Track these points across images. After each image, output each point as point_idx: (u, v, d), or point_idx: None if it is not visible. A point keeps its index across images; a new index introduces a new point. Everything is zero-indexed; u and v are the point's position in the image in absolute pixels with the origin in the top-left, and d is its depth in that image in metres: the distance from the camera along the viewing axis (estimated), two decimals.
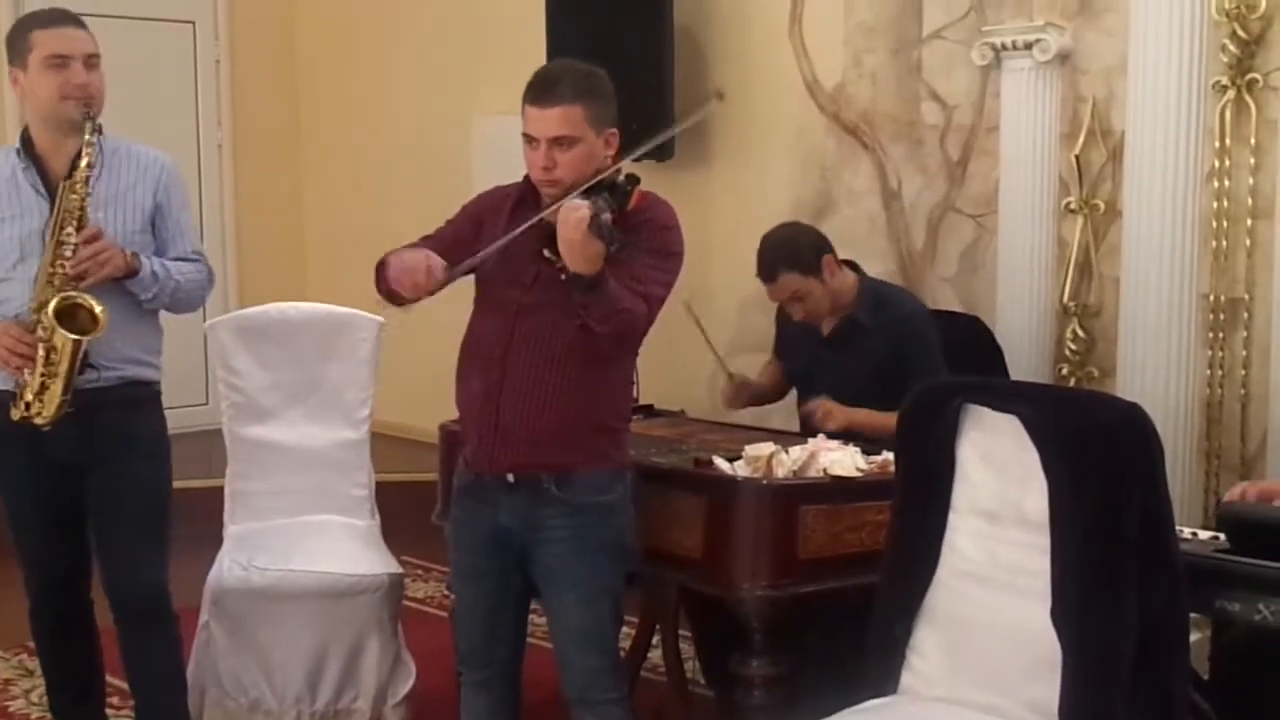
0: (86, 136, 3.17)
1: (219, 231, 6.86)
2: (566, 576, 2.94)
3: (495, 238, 2.97)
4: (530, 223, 2.85)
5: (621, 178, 2.86)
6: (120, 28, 6.26)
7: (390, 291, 2.93)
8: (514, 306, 2.89)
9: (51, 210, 3.20)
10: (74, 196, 3.15)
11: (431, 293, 2.88)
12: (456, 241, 3.06)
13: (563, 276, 2.75)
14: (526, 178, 3.02)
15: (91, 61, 3.24)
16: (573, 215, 2.67)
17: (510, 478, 2.93)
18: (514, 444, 2.90)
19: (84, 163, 3.16)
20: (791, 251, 3.85)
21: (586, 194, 2.79)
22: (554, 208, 2.81)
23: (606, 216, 2.68)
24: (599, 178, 2.86)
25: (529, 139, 2.89)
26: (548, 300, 2.87)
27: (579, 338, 2.85)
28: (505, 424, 2.90)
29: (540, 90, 2.88)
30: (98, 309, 3.14)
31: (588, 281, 2.71)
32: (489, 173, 6.16)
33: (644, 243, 2.87)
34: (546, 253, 2.81)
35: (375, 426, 4.19)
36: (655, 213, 2.95)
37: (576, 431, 2.91)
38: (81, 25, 3.28)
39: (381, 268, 2.99)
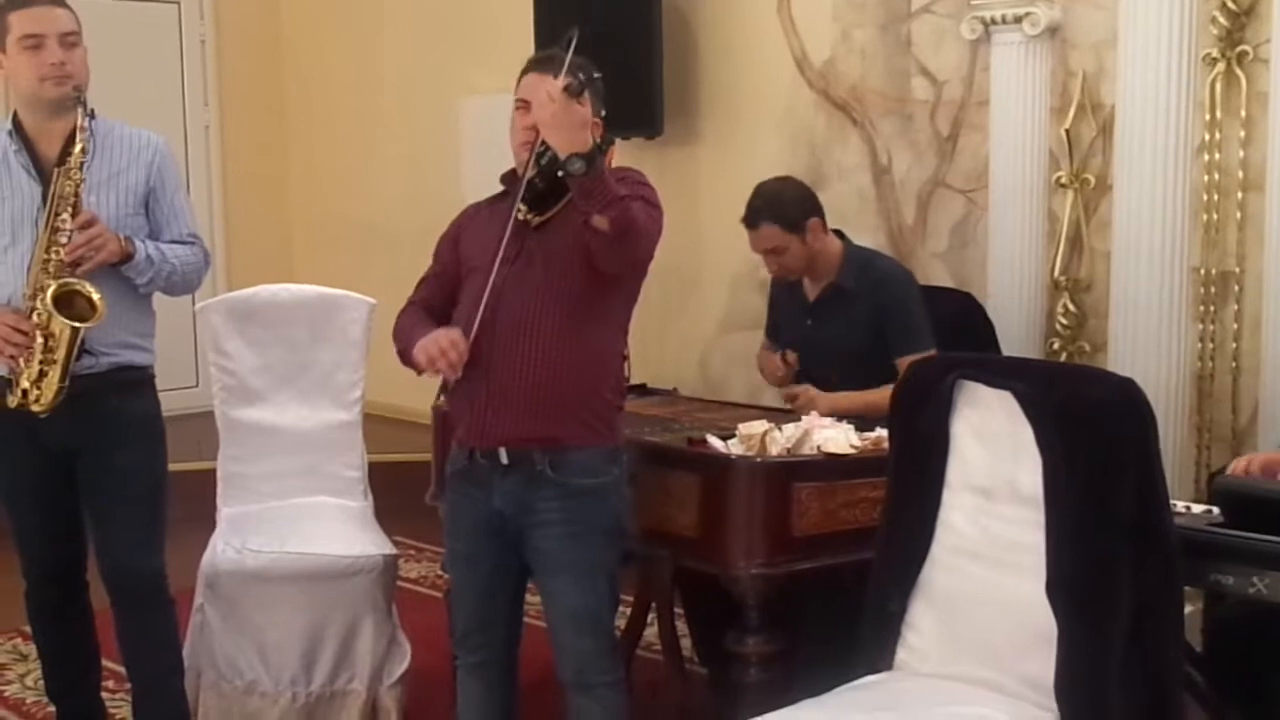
0: (80, 121, 3.15)
1: (206, 213, 6.81)
2: (561, 559, 2.94)
3: (474, 235, 3.03)
4: (515, 199, 2.88)
5: (597, 135, 2.85)
6: (105, 8, 6.24)
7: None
8: (499, 277, 2.88)
9: (44, 193, 3.19)
10: (69, 182, 3.13)
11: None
12: (445, 271, 3.11)
13: (559, 174, 2.73)
14: (503, 177, 3.05)
15: (69, 39, 3.19)
16: (546, 91, 2.69)
17: (503, 456, 2.92)
18: (505, 413, 2.89)
19: (78, 148, 3.14)
20: (778, 204, 3.86)
21: None
22: (529, 167, 2.85)
23: (580, 75, 2.70)
24: None
25: (522, 103, 2.93)
26: (527, 271, 2.88)
27: (567, 302, 2.86)
28: (495, 394, 2.90)
29: (540, 62, 2.96)
30: (95, 296, 3.12)
31: (583, 161, 2.67)
32: (478, 154, 6.18)
33: (627, 186, 2.85)
34: (522, 208, 2.85)
35: (367, 407, 4.19)
36: (631, 173, 2.96)
37: (568, 402, 2.90)
38: (58, 3, 3.23)
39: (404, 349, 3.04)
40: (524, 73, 3.00)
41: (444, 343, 2.87)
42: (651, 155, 5.24)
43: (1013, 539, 2.64)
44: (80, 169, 3.14)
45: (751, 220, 3.87)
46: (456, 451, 3.06)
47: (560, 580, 2.96)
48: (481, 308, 2.88)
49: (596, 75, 2.91)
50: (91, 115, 3.17)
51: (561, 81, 2.68)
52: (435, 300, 3.12)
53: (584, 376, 2.92)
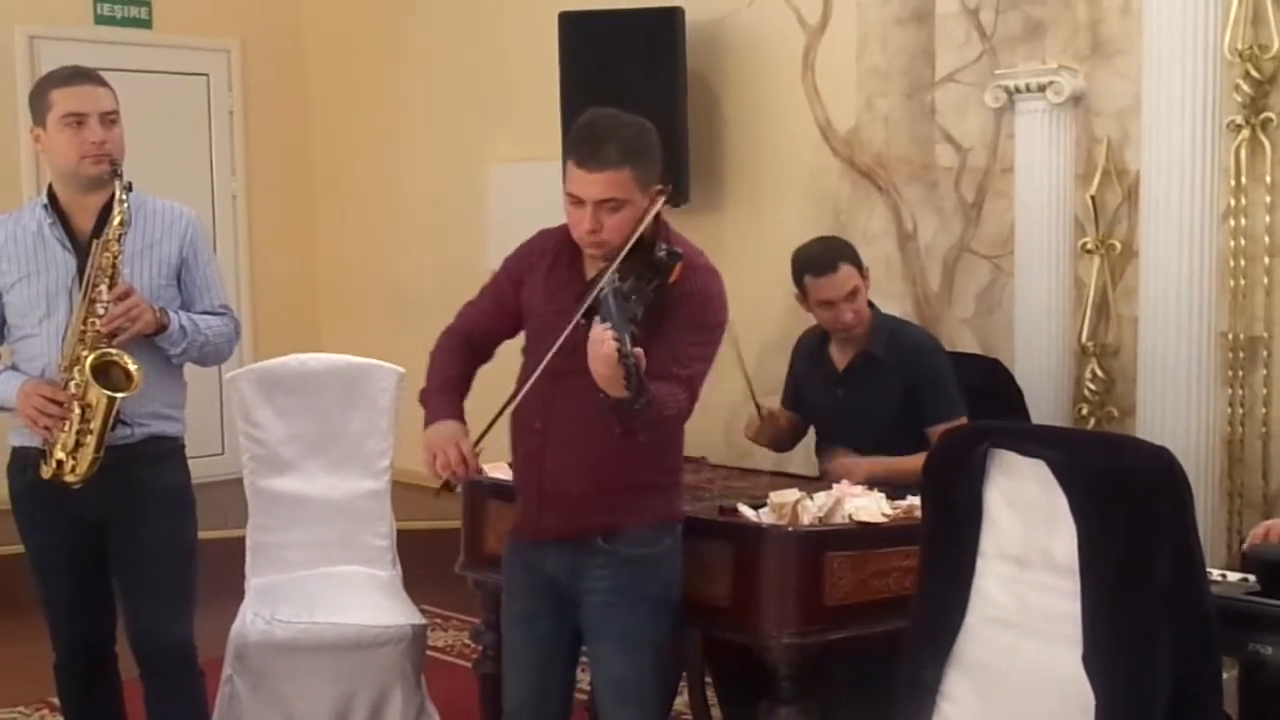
0: (119, 194, 3.19)
1: (234, 281, 6.85)
2: (608, 625, 2.93)
3: (536, 294, 2.95)
4: (578, 313, 2.76)
5: (663, 253, 2.76)
6: (134, 80, 6.31)
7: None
8: (552, 372, 2.81)
9: (79, 266, 3.23)
10: (107, 254, 3.17)
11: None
12: (499, 305, 3.04)
13: (601, 395, 2.64)
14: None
15: (109, 118, 3.25)
16: (601, 349, 2.56)
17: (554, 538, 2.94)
18: (558, 511, 2.90)
19: (117, 220, 3.18)
20: (845, 246, 3.92)
21: (627, 268, 2.71)
22: (595, 290, 2.73)
23: (636, 356, 2.55)
24: (640, 241, 2.76)
25: (573, 198, 2.79)
26: (584, 367, 2.73)
27: None
28: (549, 492, 2.90)
29: (587, 151, 2.77)
30: (132, 367, 3.15)
31: (620, 402, 2.62)
32: (504, 221, 6.22)
33: (686, 318, 2.79)
34: (585, 320, 2.73)
35: (395, 474, 4.19)
36: (697, 283, 2.86)
37: (621, 494, 2.89)
38: (100, 82, 3.29)
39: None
40: (571, 159, 2.80)
41: (453, 456, 2.82)
42: (677, 222, 5.22)
43: (1048, 609, 2.61)
44: (119, 241, 3.18)
45: (830, 262, 3.80)
46: (514, 520, 3.06)
47: (606, 646, 2.95)
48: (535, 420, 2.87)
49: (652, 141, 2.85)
50: (129, 188, 3.20)
51: (616, 345, 2.54)
52: (482, 328, 3.06)
53: (641, 468, 2.90)
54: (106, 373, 3.15)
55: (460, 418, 2.94)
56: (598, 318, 2.64)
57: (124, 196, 3.19)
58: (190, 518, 3.42)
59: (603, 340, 2.57)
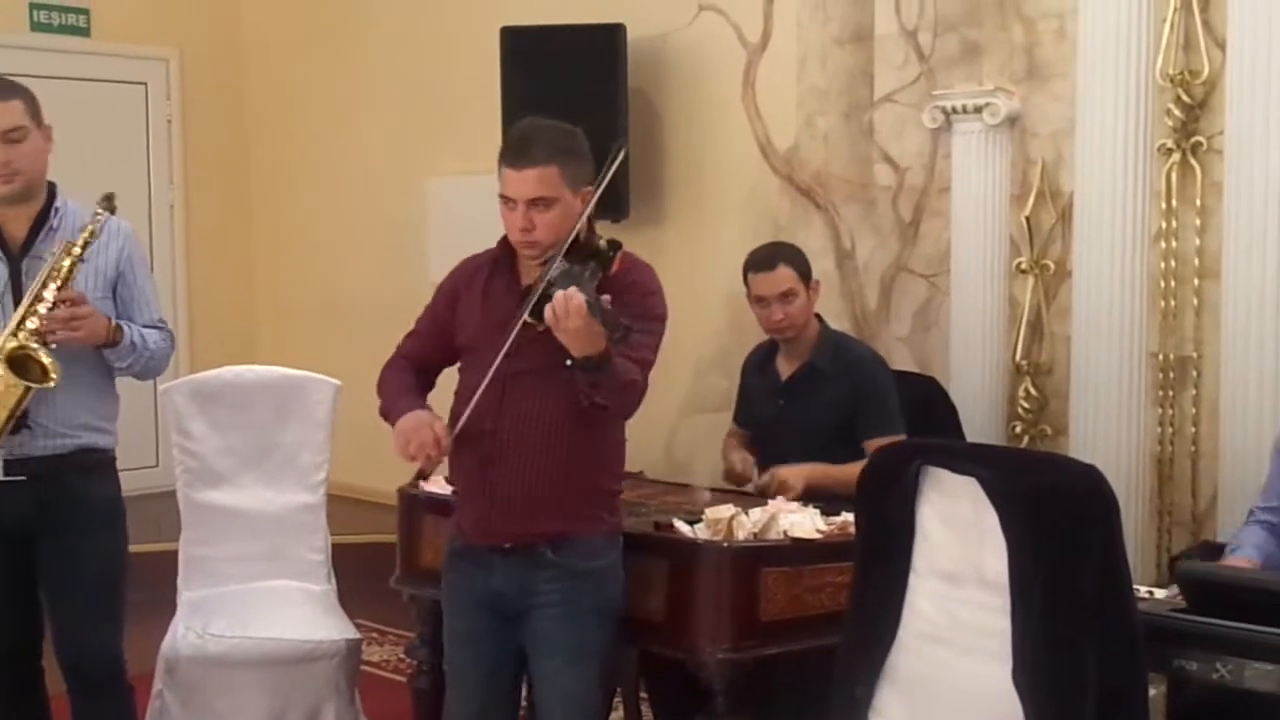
0: (96, 210, 3.17)
1: (170, 292, 6.79)
2: (555, 639, 2.93)
3: (473, 308, 2.99)
4: (523, 311, 2.81)
5: (603, 243, 2.86)
6: (72, 88, 6.27)
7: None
8: (502, 374, 2.85)
9: (10, 273, 3.20)
10: (68, 258, 3.14)
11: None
12: (438, 329, 3.08)
13: (567, 363, 2.73)
14: (502, 240, 3.01)
15: (12, 135, 3.16)
16: (569, 304, 2.65)
17: (507, 544, 2.93)
18: (512, 515, 2.89)
19: (88, 230, 3.15)
20: (793, 252, 3.99)
21: (571, 259, 2.80)
22: (542, 284, 2.78)
23: (605, 297, 2.67)
24: (578, 238, 2.85)
25: (506, 200, 2.88)
26: (534, 367, 2.85)
27: (571, 403, 2.83)
28: (502, 495, 2.89)
29: (516, 152, 2.87)
30: (47, 361, 3.10)
31: (595, 361, 2.71)
32: (444, 233, 6.20)
33: (630, 307, 2.84)
34: (530, 319, 2.80)
35: (331, 488, 4.16)
36: (638, 276, 2.95)
37: (574, 498, 2.91)
38: (6, 95, 3.18)
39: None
40: (502, 163, 2.90)
41: (427, 437, 2.85)
42: (617, 237, 5.26)
43: (979, 624, 2.64)
44: (85, 246, 3.15)
45: (769, 260, 3.90)
46: (456, 532, 3.05)
47: (554, 661, 2.94)
48: (470, 414, 2.87)
49: (579, 138, 2.93)
50: (110, 202, 3.18)
51: (583, 297, 2.65)
52: (423, 355, 3.10)
53: (588, 472, 2.93)
54: (24, 366, 3.10)
55: (427, 409, 2.97)
56: (556, 291, 2.70)
57: (101, 212, 3.17)
58: (121, 531, 3.38)
59: (570, 296, 2.65)
